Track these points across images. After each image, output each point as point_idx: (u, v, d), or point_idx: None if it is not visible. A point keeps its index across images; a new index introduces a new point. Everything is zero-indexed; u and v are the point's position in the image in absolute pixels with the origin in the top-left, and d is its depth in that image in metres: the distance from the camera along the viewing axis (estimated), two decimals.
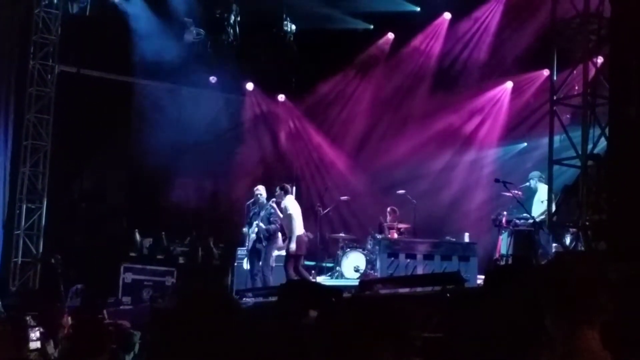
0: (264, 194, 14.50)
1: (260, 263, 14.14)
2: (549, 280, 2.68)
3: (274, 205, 14.08)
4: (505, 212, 13.99)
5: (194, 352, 2.14)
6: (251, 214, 14.46)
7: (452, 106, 18.45)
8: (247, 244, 14.41)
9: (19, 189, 17.21)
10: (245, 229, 14.57)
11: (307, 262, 16.39)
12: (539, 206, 13.52)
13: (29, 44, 17.45)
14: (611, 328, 2.64)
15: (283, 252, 15.28)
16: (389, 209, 15.84)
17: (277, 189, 14.22)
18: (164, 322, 2.24)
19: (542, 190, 13.64)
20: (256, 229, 14.10)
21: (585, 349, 2.56)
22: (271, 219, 14.20)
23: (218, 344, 2.16)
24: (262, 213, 14.27)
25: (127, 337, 6.67)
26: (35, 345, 7.42)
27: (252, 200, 14.96)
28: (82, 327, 5.06)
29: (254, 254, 14.25)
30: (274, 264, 14.25)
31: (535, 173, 14.13)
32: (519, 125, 18.27)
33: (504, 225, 13.76)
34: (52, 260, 15.72)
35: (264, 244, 14.11)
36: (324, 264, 16.36)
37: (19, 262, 17.01)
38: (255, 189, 14.68)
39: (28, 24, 17.42)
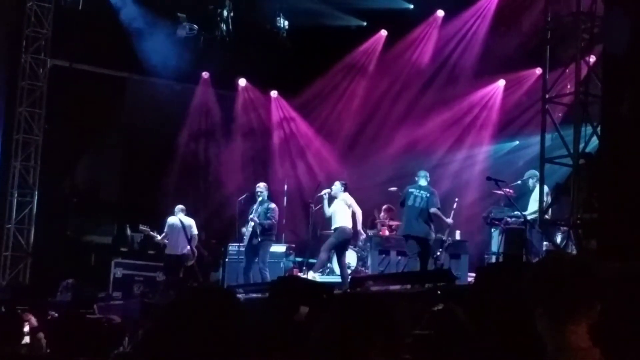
0: (266, 192, 14.45)
1: (257, 260, 14.05)
2: (538, 278, 2.69)
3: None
4: (494, 210, 13.95)
5: (191, 347, 2.13)
6: (251, 211, 14.34)
7: (445, 104, 18.44)
8: (244, 241, 14.32)
9: (10, 183, 17.18)
10: (244, 229, 14.44)
11: (297, 259, 16.40)
12: (536, 205, 13.38)
13: (21, 38, 17.39)
14: (601, 325, 2.65)
15: (278, 249, 15.26)
16: (385, 206, 15.77)
17: (339, 183, 13.89)
18: (161, 317, 2.23)
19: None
20: (251, 224, 14.05)
21: (574, 347, 2.57)
22: (268, 214, 14.14)
23: (216, 338, 2.15)
24: (260, 209, 14.20)
25: (117, 332, 6.65)
26: (25, 339, 7.39)
27: (245, 196, 14.87)
28: (68, 325, 5.03)
29: (250, 250, 14.20)
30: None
31: (534, 172, 13.79)
32: (511, 123, 18.27)
33: (496, 223, 13.74)
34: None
35: (259, 239, 14.05)
36: (315, 261, 16.32)
37: (9, 255, 16.98)
38: (257, 185, 14.58)
39: (20, 17, 17.35)
